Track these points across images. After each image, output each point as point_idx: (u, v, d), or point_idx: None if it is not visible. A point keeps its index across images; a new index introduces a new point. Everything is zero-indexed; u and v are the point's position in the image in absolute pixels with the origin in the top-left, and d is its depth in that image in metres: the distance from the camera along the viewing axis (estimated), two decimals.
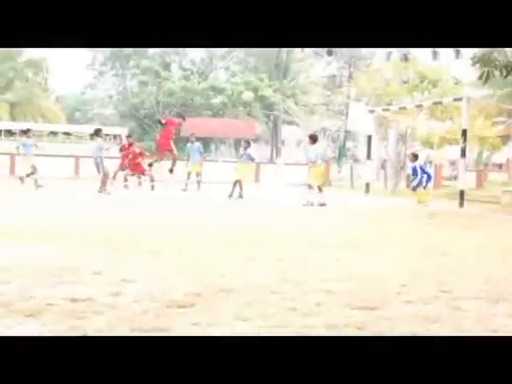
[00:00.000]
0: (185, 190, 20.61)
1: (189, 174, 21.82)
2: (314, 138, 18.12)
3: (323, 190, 17.47)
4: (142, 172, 21.27)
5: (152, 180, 20.94)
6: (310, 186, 17.61)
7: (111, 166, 19.82)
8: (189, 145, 22.61)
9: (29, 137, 20.82)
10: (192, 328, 4.07)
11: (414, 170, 19.33)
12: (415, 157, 19.85)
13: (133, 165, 21.29)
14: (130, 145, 22.18)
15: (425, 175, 19.20)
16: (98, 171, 18.01)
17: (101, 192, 17.60)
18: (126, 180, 21.23)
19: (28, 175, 19.95)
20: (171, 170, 20.20)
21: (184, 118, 21.60)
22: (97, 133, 18.87)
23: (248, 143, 20.53)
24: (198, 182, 22.01)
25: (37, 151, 20.94)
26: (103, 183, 17.96)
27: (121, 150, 22.19)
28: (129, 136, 23.74)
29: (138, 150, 21.98)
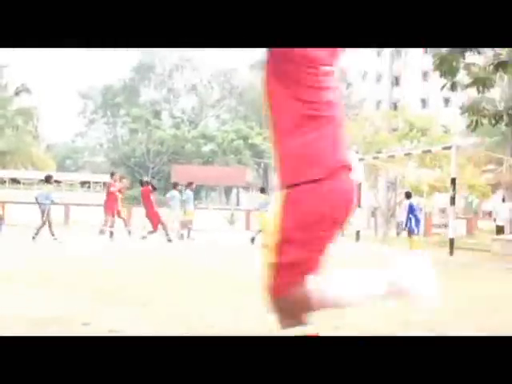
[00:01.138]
0: (170, 240, 19.86)
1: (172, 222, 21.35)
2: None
3: None
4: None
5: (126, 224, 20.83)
6: None
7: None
8: (187, 191, 22.19)
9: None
10: None
11: (410, 208, 19.03)
12: (409, 195, 19.68)
13: (113, 203, 19.88)
14: (120, 180, 20.98)
15: (413, 218, 19.03)
16: (42, 218, 18.16)
17: (34, 237, 17.71)
18: (111, 226, 19.70)
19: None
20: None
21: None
22: (47, 180, 19.18)
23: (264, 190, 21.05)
24: (189, 230, 21.72)
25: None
26: (38, 230, 18.00)
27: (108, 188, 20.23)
28: (112, 174, 20.96)
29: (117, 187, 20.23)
